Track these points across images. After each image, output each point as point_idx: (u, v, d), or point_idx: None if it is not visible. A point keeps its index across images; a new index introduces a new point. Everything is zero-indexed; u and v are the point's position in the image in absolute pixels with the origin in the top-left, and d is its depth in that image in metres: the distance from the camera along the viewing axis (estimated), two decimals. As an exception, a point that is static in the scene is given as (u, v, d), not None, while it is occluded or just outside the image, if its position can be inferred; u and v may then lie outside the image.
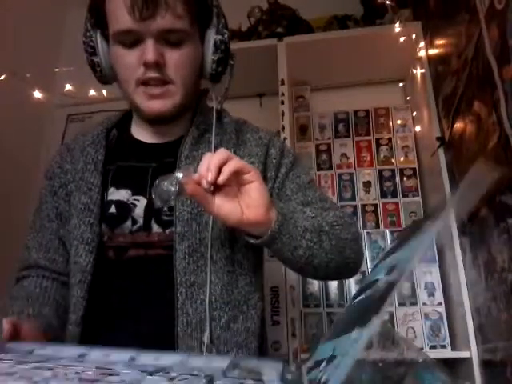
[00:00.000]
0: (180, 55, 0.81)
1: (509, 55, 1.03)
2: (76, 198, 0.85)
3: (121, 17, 0.76)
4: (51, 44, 2.39)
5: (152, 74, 0.79)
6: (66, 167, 0.92)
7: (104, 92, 2.05)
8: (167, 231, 0.81)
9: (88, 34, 0.84)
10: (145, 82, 0.80)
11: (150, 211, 0.83)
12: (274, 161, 0.89)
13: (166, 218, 0.82)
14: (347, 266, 0.83)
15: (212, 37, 0.85)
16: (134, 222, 0.83)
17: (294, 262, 0.77)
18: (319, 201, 0.87)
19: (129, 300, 0.80)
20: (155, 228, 0.82)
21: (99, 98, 2.08)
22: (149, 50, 0.77)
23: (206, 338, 0.74)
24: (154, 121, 0.87)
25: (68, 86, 2.07)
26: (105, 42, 0.84)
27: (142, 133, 0.92)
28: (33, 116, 2.08)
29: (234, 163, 0.65)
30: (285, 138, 1.70)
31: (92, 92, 2.09)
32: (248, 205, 0.67)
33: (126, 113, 0.98)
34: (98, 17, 0.83)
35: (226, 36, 0.86)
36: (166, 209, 0.82)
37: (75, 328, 0.79)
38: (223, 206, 0.67)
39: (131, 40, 0.78)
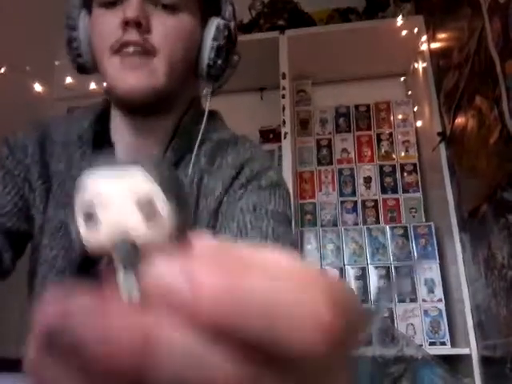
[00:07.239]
0: (173, 22, 0.63)
1: (511, 49, 1.02)
2: (51, 210, 0.70)
3: None
4: (51, 37, 2.37)
5: (131, 37, 0.60)
6: (46, 159, 0.76)
7: (105, 85, 2.05)
8: None
9: (72, 9, 0.68)
10: (122, 47, 0.61)
11: None
12: (239, 182, 0.68)
13: None
14: None
15: (215, 21, 0.68)
16: None
17: None
18: (271, 238, 0.63)
19: None
20: None
21: (100, 91, 2.07)
22: (131, 5, 0.60)
23: None
24: (129, 107, 0.68)
25: (68, 79, 2.06)
26: (88, 18, 0.67)
27: (120, 135, 0.72)
28: (33, 109, 2.07)
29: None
30: (286, 133, 1.69)
31: (92, 85, 2.08)
32: None
33: (105, 106, 0.77)
34: None
35: (232, 23, 0.69)
36: None
37: None
38: None
39: None
